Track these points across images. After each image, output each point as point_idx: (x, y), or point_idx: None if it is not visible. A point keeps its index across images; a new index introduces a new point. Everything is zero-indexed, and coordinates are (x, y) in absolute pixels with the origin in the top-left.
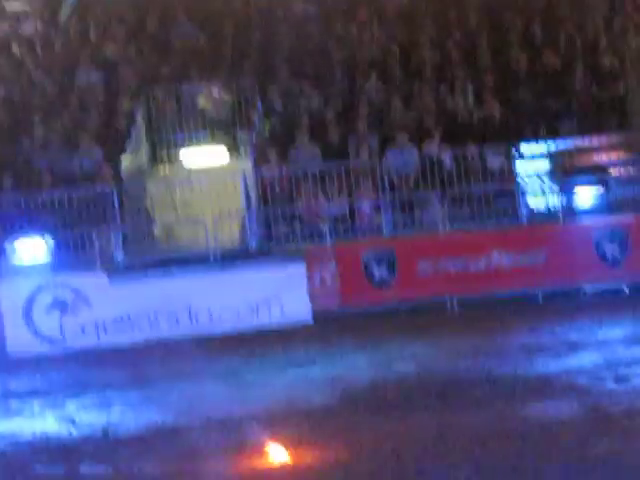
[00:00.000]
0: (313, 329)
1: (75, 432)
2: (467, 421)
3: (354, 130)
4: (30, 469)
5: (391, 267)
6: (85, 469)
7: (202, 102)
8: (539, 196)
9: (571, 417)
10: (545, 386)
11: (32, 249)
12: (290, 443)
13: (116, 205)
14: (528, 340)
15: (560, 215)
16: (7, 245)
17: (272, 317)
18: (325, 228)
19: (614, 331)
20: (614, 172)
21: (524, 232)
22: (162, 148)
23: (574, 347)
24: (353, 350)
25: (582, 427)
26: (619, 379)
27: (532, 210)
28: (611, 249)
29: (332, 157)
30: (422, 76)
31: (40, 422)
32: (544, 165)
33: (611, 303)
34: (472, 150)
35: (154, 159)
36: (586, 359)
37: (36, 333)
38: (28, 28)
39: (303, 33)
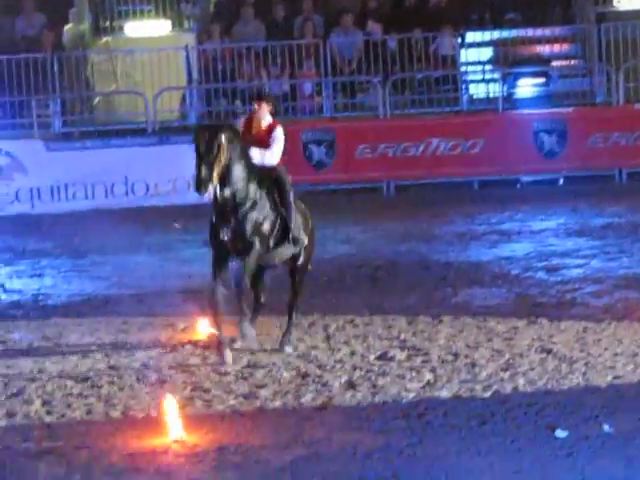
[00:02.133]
0: None
1: (5, 297)
2: (398, 304)
3: (300, 9)
4: None
5: (330, 149)
6: (14, 335)
7: None
8: (481, 84)
9: (501, 305)
10: (477, 274)
11: None
12: (220, 320)
13: (56, 73)
14: (462, 227)
15: (500, 104)
16: None
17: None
18: None
19: (547, 222)
20: (556, 64)
21: (464, 119)
22: (105, 19)
23: (507, 236)
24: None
25: (511, 315)
26: (550, 269)
27: (473, 98)
28: (549, 140)
29: (276, 35)
30: None
31: None
32: (487, 54)
33: (546, 194)
34: (417, 35)
35: (97, 29)
36: (519, 249)
37: None
38: None
39: None
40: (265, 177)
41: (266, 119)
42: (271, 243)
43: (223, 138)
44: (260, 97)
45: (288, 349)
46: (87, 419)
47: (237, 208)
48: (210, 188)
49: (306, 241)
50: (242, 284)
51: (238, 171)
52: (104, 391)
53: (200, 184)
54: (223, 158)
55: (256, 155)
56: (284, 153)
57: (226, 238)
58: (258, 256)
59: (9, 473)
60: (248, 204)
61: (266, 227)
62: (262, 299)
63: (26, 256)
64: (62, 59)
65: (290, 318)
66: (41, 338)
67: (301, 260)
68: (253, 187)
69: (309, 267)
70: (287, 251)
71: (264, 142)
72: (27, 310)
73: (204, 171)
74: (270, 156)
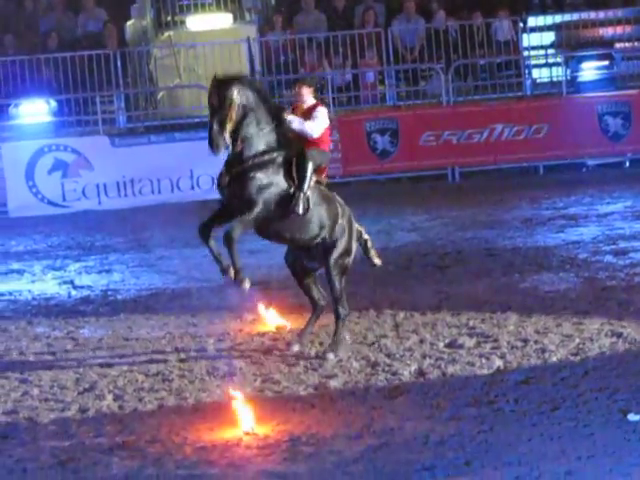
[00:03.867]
0: None
1: (75, 294)
2: (465, 292)
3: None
4: (29, 330)
5: (394, 137)
6: (84, 331)
7: None
8: (544, 69)
9: (569, 290)
10: (544, 259)
11: (35, 111)
12: (287, 310)
13: (119, 69)
14: (528, 213)
15: (564, 88)
16: (10, 107)
17: None
18: (329, 96)
19: (614, 205)
20: (620, 46)
21: (528, 104)
22: (167, 14)
23: (574, 220)
24: (354, 219)
25: (580, 300)
26: (618, 253)
27: (536, 82)
28: (614, 123)
29: (338, 25)
30: None
31: (40, 284)
32: (550, 38)
33: (612, 177)
34: (478, 21)
35: (159, 24)
36: (586, 233)
37: (37, 195)
38: None
39: None
40: (293, 145)
41: (308, 102)
42: (279, 213)
43: (235, 92)
44: (299, 81)
45: (330, 356)
46: (159, 413)
47: (242, 162)
48: (222, 147)
49: (335, 234)
50: (232, 234)
51: (252, 126)
52: (175, 385)
53: (212, 143)
54: (234, 114)
55: (295, 122)
56: (344, 146)
57: (225, 193)
58: (257, 216)
59: (83, 468)
60: (256, 161)
61: (272, 191)
62: (321, 302)
63: (94, 252)
64: (125, 55)
65: (336, 324)
66: (111, 333)
67: (334, 255)
68: (267, 146)
69: (346, 262)
70: (305, 231)
71: (309, 117)
72: (96, 306)
73: (215, 128)
74: (309, 127)
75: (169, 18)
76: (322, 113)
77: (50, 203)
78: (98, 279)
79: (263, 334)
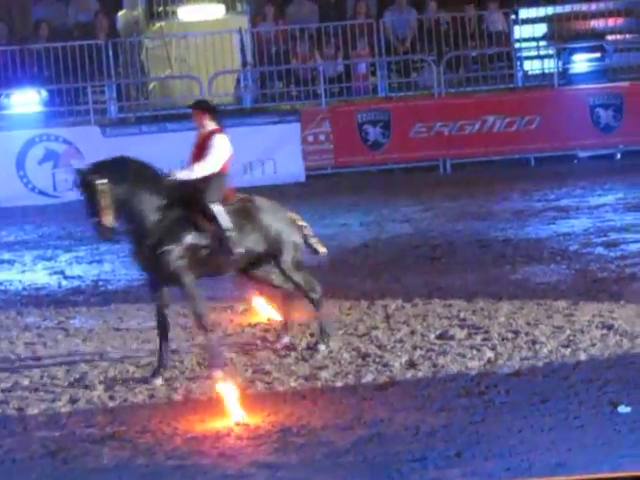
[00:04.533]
0: (306, 188)
1: (65, 284)
2: (457, 283)
3: None
4: (19, 320)
5: (386, 128)
6: (75, 322)
7: None
8: (535, 61)
9: (560, 282)
10: (536, 251)
11: (26, 101)
12: (278, 302)
13: (111, 59)
14: (520, 205)
15: (556, 80)
16: (1, 97)
17: (265, 175)
18: (320, 87)
19: (605, 197)
20: (611, 38)
21: (519, 96)
22: (159, 4)
23: (565, 212)
24: (346, 210)
25: (571, 292)
26: (609, 245)
27: (528, 74)
28: (605, 115)
29: (330, 16)
30: None
31: (30, 274)
32: (541, 30)
33: (603, 169)
34: (470, 13)
35: (150, 15)
36: (577, 225)
37: (28, 185)
38: None
39: None
40: (189, 199)
41: (207, 127)
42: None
43: (103, 182)
44: (194, 105)
45: (321, 347)
46: (149, 403)
47: (146, 238)
48: (111, 234)
49: (277, 241)
50: (201, 320)
51: (136, 202)
52: (166, 375)
53: (100, 235)
54: (109, 202)
55: (182, 174)
56: (336, 138)
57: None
58: (191, 280)
59: (73, 458)
60: (158, 233)
61: (197, 253)
62: (312, 295)
63: (85, 242)
64: (116, 45)
65: (316, 311)
66: (102, 324)
67: (285, 258)
68: (162, 213)
69: (298, 257)
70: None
71: (202, 152)
72: (87, 296)
73: (96, 220)
74: (200, 169)
75: (160, 9)
76: (218, 142)
77: (41, 193)
78: (89, 269)
79: (254, 325)
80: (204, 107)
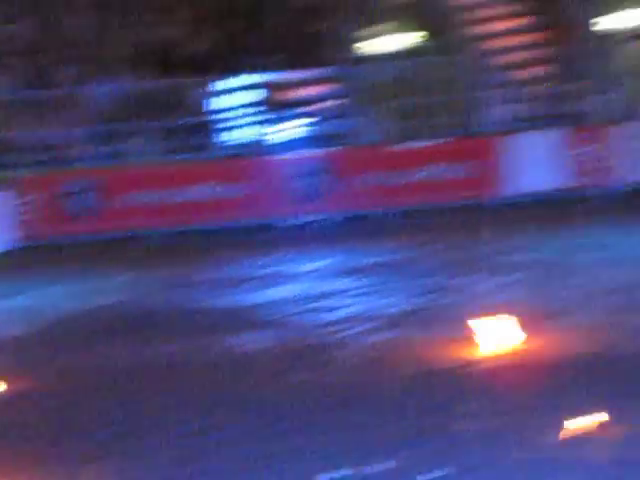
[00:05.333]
0: (16, 260)
1: None
2: (163, 352)
3: (55, 59)
4: None
5: (91, 198)
6: None
7: None
8: (241, 129)
9: (268, 349)
10: (243, 319)
11: None
12: None
13: None
14: (226, 273)
15: (262, 148)
16: None
17: None
18: (21, 158)
19: (312, 264)
20: (319, 106)
21: (224, 165)
22: None
23: (274, 279)
24: (50, 282)
25: (279, 359)
26: (318, 310)
27: (232, 144)
28: (311, 183)
29: (29, 85)
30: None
31: None
32: (248, 97)
33: (311, 236)
34: (167, 83)
35: None
36: (284, 292)
37: None
38: None
39: None
40: None
41: None
42: None
43: None
44: None
45: None
46: None
47: None
48: None
49: None
50: None
51: None
52: None
53: None
54: None
55: None
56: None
57: None
58: None
59: None
60: None
61: None
62: None
63: None
64: None
65: None
66: None
67: None
68: None
69: None
70: None
71: None
72: None
73: None
74: None
75: None
76: None
77: None
78: None
79: None
80: None
